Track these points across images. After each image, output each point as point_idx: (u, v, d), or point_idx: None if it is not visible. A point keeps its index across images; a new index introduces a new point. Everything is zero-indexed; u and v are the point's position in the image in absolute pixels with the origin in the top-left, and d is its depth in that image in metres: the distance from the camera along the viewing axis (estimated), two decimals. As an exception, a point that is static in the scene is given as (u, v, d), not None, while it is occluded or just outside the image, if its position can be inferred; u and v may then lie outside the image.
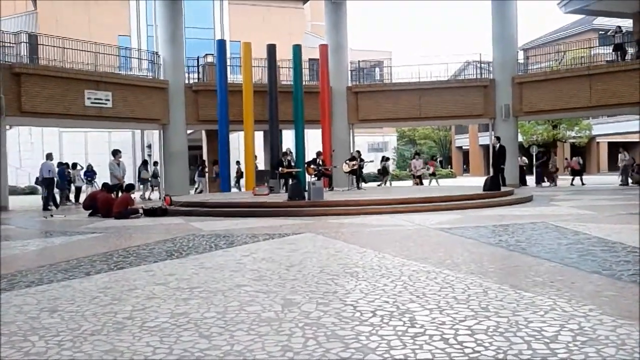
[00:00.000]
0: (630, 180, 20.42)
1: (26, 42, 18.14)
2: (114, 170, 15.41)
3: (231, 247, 6.40)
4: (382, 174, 23.67)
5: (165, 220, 10.35)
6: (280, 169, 15.99)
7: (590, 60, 21.44)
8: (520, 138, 25.93)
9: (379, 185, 22.49)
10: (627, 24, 24.39)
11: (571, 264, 4.62)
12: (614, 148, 34.84)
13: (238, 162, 22.69)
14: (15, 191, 25.40)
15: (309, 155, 18.64)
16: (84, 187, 19.22)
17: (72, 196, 18.59)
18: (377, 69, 28.10)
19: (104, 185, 12.94)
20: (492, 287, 3.80)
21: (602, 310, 3.12)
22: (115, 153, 15.78)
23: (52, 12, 30.12)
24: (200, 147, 25.47)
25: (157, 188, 20.71)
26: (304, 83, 20.85)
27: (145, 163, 20.41)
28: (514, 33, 21.08)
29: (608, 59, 21.57)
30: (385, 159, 24.01)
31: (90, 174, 19.44)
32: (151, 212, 11.48)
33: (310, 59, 23.46)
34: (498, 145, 17.86)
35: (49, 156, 16.44)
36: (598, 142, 43.21)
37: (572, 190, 17.48)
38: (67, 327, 3.11)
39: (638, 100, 18.44)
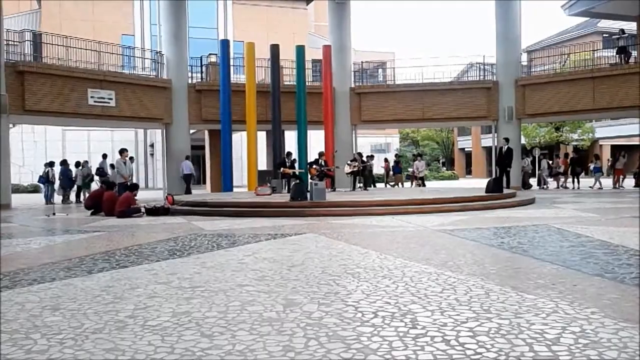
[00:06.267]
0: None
1: (30, 41, 18.19)
2: (120, 168, 15.41)
3: (233, 246, 6.40)
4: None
5: (168, 220, 10.36)
6: (282, 169, 15.98)
7: (593, 63, 21.40)
8: (522, 140, 25.90)
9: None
10: (631, 26, 24.36)
11: (573, 267, 4.61)
12: (617, 151, 34.76)
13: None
14: (18, 189, 25.45)
15: (312, 156, 18.63)
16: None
17: (72, 194, 18.62)
18: (380, 70, 28.09)
19: (104, 182, 12.89)
20: (494, 289, 3.79)
21: (604, 313, 3.11)
22: (122, 152, 15.77)
23: (56, 10, 30.20)
24: (203, 147, 25.49)
25: None
26: (307, 83, 20.85)
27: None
28: (517, 35, 21.05)
29: (612, 61, 21.54)
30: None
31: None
32: (153, 212, 11.51)
33: (313, 60, 23.45)
34: (506, 147, 17.80)
35: (188, 157, 19.54)
36: (601, 145, 43.14)
37: (575, 193, 17.45)
38: (69, 325, 3.11)
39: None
